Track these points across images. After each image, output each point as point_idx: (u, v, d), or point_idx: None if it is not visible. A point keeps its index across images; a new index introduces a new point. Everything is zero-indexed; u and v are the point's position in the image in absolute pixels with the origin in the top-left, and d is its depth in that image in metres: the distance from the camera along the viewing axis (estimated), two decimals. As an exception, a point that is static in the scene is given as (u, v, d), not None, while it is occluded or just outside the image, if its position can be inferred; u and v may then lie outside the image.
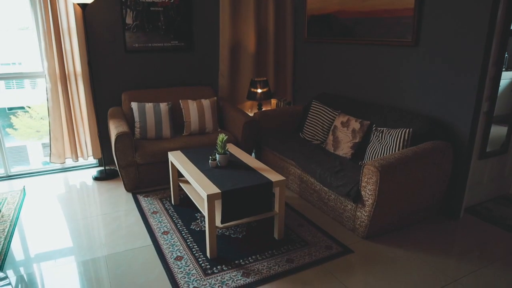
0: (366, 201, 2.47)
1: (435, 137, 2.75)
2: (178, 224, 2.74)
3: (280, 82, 4.66)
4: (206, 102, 3.75)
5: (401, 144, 2.71)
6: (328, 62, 3.95)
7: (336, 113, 3.45)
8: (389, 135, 2.80)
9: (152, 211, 2.96)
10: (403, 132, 2.73)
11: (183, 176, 3.07)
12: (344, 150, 3.16)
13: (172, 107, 3.67)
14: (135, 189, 3.35)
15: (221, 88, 4.30)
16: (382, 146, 2.81)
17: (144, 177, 3.33)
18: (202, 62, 4.19)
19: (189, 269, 2.24)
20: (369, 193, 2.43)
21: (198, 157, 2.80)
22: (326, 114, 3.52)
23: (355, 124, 3.17)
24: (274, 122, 3.83)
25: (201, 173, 2.51)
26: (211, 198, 2.20)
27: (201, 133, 3.71)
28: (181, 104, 3.71)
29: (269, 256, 2.38)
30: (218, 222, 2.33)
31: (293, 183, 3.33)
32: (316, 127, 3.55)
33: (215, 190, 2.24)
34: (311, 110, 3.68)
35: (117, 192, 3.33)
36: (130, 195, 3.27)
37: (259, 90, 4.22)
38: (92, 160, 3.97)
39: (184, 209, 2.98)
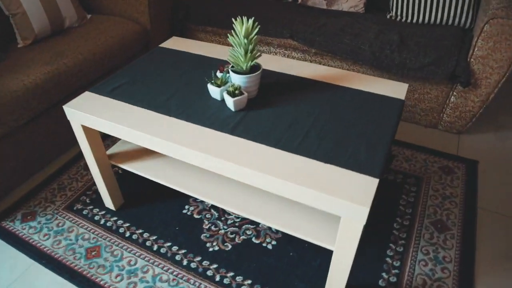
0: (486, 78, 1.54)
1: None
2: None
3: None
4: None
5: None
6: None
7: None
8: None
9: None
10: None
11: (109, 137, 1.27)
12: (351, 1, 1.97)
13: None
14: None
15: None
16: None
17: None
18: None
19: None
20: (495, 64, 1.49)
21: (157, 96, 1.19)
22: None
23: (365, -45, 1.94)
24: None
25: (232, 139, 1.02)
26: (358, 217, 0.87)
27: (56, 33, 1.74)
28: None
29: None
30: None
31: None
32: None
33: (363, 183, 0.90)
34: None
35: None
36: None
37: None
38: None
39: (142, 213, 1.44)
